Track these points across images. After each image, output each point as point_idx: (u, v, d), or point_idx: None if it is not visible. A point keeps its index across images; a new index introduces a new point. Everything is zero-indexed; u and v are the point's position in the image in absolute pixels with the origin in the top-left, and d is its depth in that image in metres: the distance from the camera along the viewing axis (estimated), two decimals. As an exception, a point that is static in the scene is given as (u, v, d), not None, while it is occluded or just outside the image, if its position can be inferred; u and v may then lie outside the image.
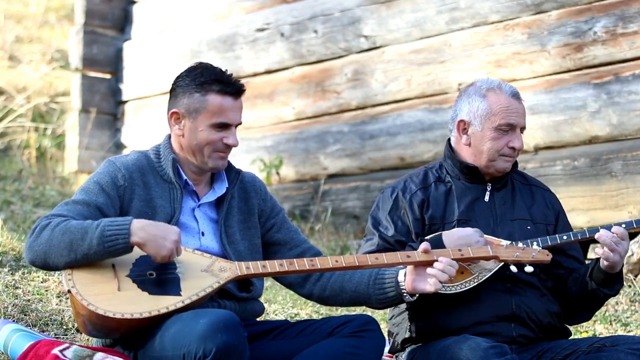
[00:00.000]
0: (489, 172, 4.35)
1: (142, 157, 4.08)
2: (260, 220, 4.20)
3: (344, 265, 3.98)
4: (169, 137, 4.13)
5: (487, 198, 4.36)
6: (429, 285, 3.94)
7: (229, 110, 4.01)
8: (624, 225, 4.23)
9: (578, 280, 4.30)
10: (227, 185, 4.12)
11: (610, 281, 4.24)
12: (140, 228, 3.76)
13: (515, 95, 4.39)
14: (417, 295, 4.04)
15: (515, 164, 4.42)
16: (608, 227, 4.19)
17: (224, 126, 4.01)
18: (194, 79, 4.04)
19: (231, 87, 4.02)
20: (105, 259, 3.78)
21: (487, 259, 4.10)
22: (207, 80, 4.01)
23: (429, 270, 3.94)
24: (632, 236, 6.37)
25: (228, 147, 4.04)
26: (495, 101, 4.34)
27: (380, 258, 4.00)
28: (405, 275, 4.02)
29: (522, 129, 4.39)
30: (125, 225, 3.75)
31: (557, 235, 4.27)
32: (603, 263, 4.18)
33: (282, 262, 3.95)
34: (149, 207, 3.99)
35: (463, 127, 4.37)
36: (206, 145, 4.01)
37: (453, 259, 3.98)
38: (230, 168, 4.15)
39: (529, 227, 4.32)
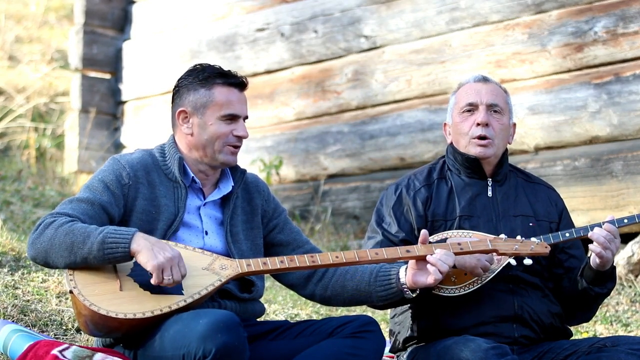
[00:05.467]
0: (474, 155, 4.34)
1: (146, 156, 4.08)
2: (263, 220, 4.20)
3: (344, 260, 3.98)
4: (173, 137, 4.13)
5: (490, 193, 4.37)
6: (430, 276, 3.94)
7: (236, 102, 4.04)
8: (626, 221, 4.23)
9: (571, 280, 4.30)
10: (232, 184, 4.12)
11: (601, 279, 4.23)
12: (142, 237, 3.75)
13: (479, 79, 4.42)
14: (417, 291, 4.03)
15: (506, 152, 4.42)
16: (612, 222, 4.19)
17: (232, 118, 4.03)
18: (196, 76, 4.06)
19: (235, 78, 4.06)
20: (104, 265, 3.77)
21: (486, 252, 4.09)
22: (210, 75, 4.05)
23: (428, 258, 3.94)
24: (632, 236, 6.38)
25: (239, 141, 4.05)
26: (460, 91, 4.43)
27: (380, 253, 4.00)
28: (405, 271, 4.02)
29: (492, 105, 4.36)
30: (128, 235, 3.75)
31: (559, 232, 4.27)
32: (595, 261, 4.18)
33: (282, 258, 3.95)
34: (153, 205, 3.98)
35: (448, 128, 4.46)
36: (217, 139, 4.02)
37: (453, 253, 3.98)
38: (235, 168, 4.16)
39: (531, 224, 4.32)
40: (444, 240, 4.18)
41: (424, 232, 4.03)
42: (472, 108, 4.35)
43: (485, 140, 4.31)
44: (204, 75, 4.05)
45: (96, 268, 3.78)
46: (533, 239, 4.17)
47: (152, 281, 3.72)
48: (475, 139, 4.32)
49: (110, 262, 3.76)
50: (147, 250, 3.72)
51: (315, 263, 3.97)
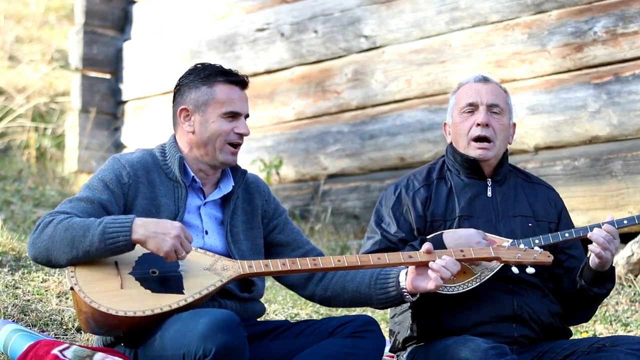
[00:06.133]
0: (474, 157, 4.34)
1: (147, 155, 4.09)
2: (263, 221, 4.21)
3: (347, 264, 3.98)
4: (174, 137, 4.14)
5: (489, 194, 4.37)
6: (431, 282, 3.94)
7: (237, 100, 4.06)
8: (625, 222, 4.23)
9: (571, 280, 4.31)
10: (232, 184, 4.12)
11: (600, 280, 4.24)
12: (141, 225, 3.75)
13: (480, 79, 4.41)
14: (418, 295, 4.04)
15: (506, 153, 4.42)
16: (611, 223, 4.19)
17: (234, 115, 4.05)
18: (197, 74, 4.08)
19: (236, 76, 4.08)
20: (106, 256, 3.78)
21: (489, 259, 4.10)
22: (212, 73, 4.07)
23: (431, 264, 3.94)
24: (632, 236, 6.39)
25: (240, 138, 4.06)
26: (460, 91, 4.43)
27: (382, 258, 4.00)
28: (406, 275, 4.02)
29: (493, 106, 4.35)
30: (127, 223, 3.75)
31: (559, 232, 4.27)
32: (594, 261, 4.18)
33: (284, 261, 3.95)
34: (153, 205, 3.99)
35: (448, 128, 4.46)
36: (218, 136, 4.03)
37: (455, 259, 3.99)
38: (236, 168, 4.18)
39: (530, 224, 4.32)
40: (440, 236, 4.19)
41: (428, 244, 4.03)
42: (472, 108, 4.35)
43: (485, 143, 4.31)
44: (206, 74, 4.07)
45: (98, 265, 3.79)
46: (534, 246, 4.17)
47: (169, 261, 3.76)
48: (475, 140, 4.32)
49: (113, 252, 3.76)
50: (153, 239, 3.74)
51: (318, 266, 3.97)
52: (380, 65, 7.69)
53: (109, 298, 3.71)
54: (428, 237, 4.22)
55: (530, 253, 4.11)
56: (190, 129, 4.06)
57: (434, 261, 3.96)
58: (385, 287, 4.05)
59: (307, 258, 3.98)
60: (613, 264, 4.26)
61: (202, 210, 4.08)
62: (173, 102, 4.15)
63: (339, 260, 3.98)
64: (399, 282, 4.03)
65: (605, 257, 4.15)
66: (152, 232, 3.74)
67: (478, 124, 4.31)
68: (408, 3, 7.58)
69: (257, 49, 8.36)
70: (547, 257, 4.13)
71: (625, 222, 4.24)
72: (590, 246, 4.17)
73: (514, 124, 4.46)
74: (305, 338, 3.93)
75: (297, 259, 3.97)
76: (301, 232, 4.29)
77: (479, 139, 4.31)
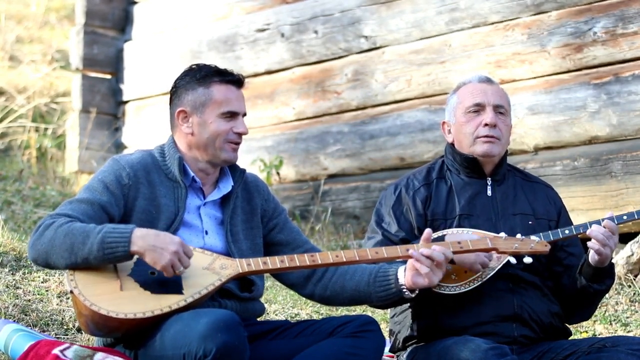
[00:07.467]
0: (479, 156, 4.34)
1: (146, 156, 4.10)
2: (263, 220, 4.22)
3: (345, 260, 3.99)
4: (173, 138, 4.15)
5: (489, 192, 4.38)
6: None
7: (234, 99, 4.08)
8: (625, 217, 4.24)
9: (571, 277, 4.31)
10: (232, 184, 4.13)
11: (600, 276, 4.25)
12: (141, 237, 3.76)
13: (484, 80, 4.41)
14: (417, 292, 4.04)
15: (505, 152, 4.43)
16: (611, 219, 4.20)
17: (232, 115, 4.06)
18: (193, 75, 4.09)
19: (232, 76, 4.10)
20: (105, 264, 3.79)
21: (486, 250, 4.10)
22: (207, 74, 4.08)
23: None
24: (631, 236, 6.39)
25: (239, 137, 4.08)
26: (463, 90, 4.41)
27: (380, 252, 4.01)
28: (404, 272, 4.03)
29: (499, 106, 4.36)
30: (127, 233, 3.75)
31: (558, 229, 4.27)
32: (593, 258, 4.19)
33: (282, 258, 3.96)
34: (153, 205, 3.99)
35: (448, 127, 4.45)
36: (218, 136, 4.05)
37: (452, 252, 3.99)
38: (235, 167, 4.19)
39: (530, 222, 4.33)
40: (442, 237, 4.20)
41: (427, 230, 4.04)
42: (478, 109, 4.35)
43: (492, 138, 4.32)
44: (201, 75, 4.08)
45: (97, 268, 3.79)
46: (533, 236, 4.18)
47: (166, 275, 3.75)
48: (482, 137, 4.32)
49: (111, 261, 3.77)
50: (151, 252, 3.74)
51: (316, 262, 3.98)
52: (380, 66, 7.70)
53: (108, 300, 3.72)
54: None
55: (527, 242, 4.13)
56: (189, 131, 4.07)
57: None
58: (385, 284, 4.05)
59: (305, 254, 3.98)
60: (612, 260, 4.27)
61: (201, 210, 4.09)
62: (170, 104, 4.15)
63: (337, 256, 3.99)
64: (397, 278, 4.04)
65: (604, 253, 4.16)
66: (150, 244, 3.75)
67: (486, 124, 4.31)
68: (408, 3, 7.59)
69: (257, 49, 8.37)
70: (544, 247, 4.13)
71: (625, 217, 4.25)
72: (589, 243, 4.18)
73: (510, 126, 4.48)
74: (305, 338, 3.94)
75: (295, 255, 3.98)
76: (300, 231, 4.30)
77: (485, 137, 4.32)
